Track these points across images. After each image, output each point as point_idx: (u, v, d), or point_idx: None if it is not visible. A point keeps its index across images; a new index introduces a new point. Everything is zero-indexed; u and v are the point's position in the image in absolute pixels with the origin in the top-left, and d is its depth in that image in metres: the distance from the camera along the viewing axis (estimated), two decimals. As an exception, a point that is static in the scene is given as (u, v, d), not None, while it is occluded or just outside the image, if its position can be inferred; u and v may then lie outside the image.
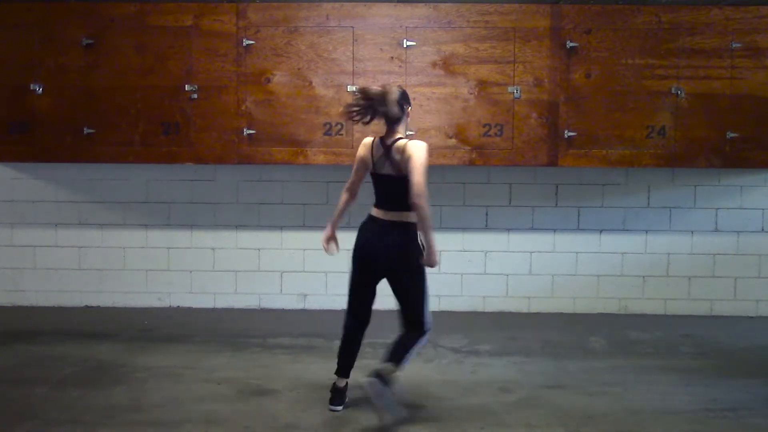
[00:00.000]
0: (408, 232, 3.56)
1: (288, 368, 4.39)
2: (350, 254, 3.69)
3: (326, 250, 3.88)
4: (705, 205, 5.81)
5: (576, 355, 4.72)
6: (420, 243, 3.59)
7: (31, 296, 5.87)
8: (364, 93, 3.60)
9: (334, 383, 3.74)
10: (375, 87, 3.66)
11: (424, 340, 3.66)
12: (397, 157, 3.53)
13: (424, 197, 3.43)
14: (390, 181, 3.57)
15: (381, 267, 3.63)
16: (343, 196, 3.83)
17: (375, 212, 3.65)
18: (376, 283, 3.71)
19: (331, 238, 3.88)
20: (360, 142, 3.73)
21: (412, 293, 3.61)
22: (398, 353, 3.55)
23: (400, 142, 3.55)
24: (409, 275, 3.60)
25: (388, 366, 3.50)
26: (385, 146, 3.60)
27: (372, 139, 3.67)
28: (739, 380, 4.23)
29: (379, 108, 3.55)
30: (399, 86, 3.71)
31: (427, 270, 3.63)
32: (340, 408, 3.70)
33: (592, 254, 5.84)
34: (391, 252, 3.57)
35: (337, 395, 3.72)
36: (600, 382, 4.18)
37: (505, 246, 5.84)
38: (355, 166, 3.76)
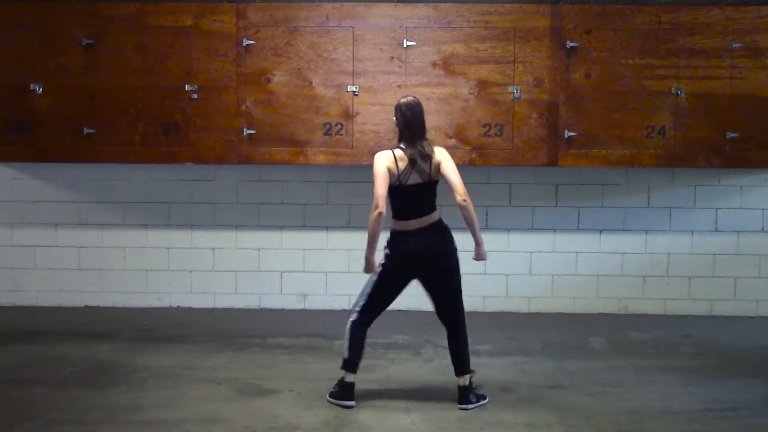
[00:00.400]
0: (447, 233, 3.74)
1: (288, 368, 4.38)
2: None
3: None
4: (705, 205, 5.81)
5: (576, 355, 4.72)
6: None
7: (31, 296, 5.87)
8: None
9: (344, 380, 3.75)
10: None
11: (466, 331, 3.81)
12: (423, 163, 3.64)
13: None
14: (419, 188, 3.67)
15: (428, 271, 3.72)
16: (379, 217, 3.58)
17: (404, 224, 3.69)
18: (405, 287, 3.81)
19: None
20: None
21: (453, 291, 3.76)
22: (464, 361, 3.78)
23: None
24: (452, 275, 3.75)
25: (467, 377, 3.76)
26: (409, 157, 3.65)
27: (389, 151, 3.68)
28: (739, 380, 4.23)
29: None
30: (410, 96, 3.79)
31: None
32: (354, 403, 3.72)
33: (592, 254, 5.83)
34: (442, 256, 3.70)
35: (350, 391, 3.75)
36: (600, 382, 4.18)
37: (505, 246, 5.84)
38: (383, 177, 3.61)
